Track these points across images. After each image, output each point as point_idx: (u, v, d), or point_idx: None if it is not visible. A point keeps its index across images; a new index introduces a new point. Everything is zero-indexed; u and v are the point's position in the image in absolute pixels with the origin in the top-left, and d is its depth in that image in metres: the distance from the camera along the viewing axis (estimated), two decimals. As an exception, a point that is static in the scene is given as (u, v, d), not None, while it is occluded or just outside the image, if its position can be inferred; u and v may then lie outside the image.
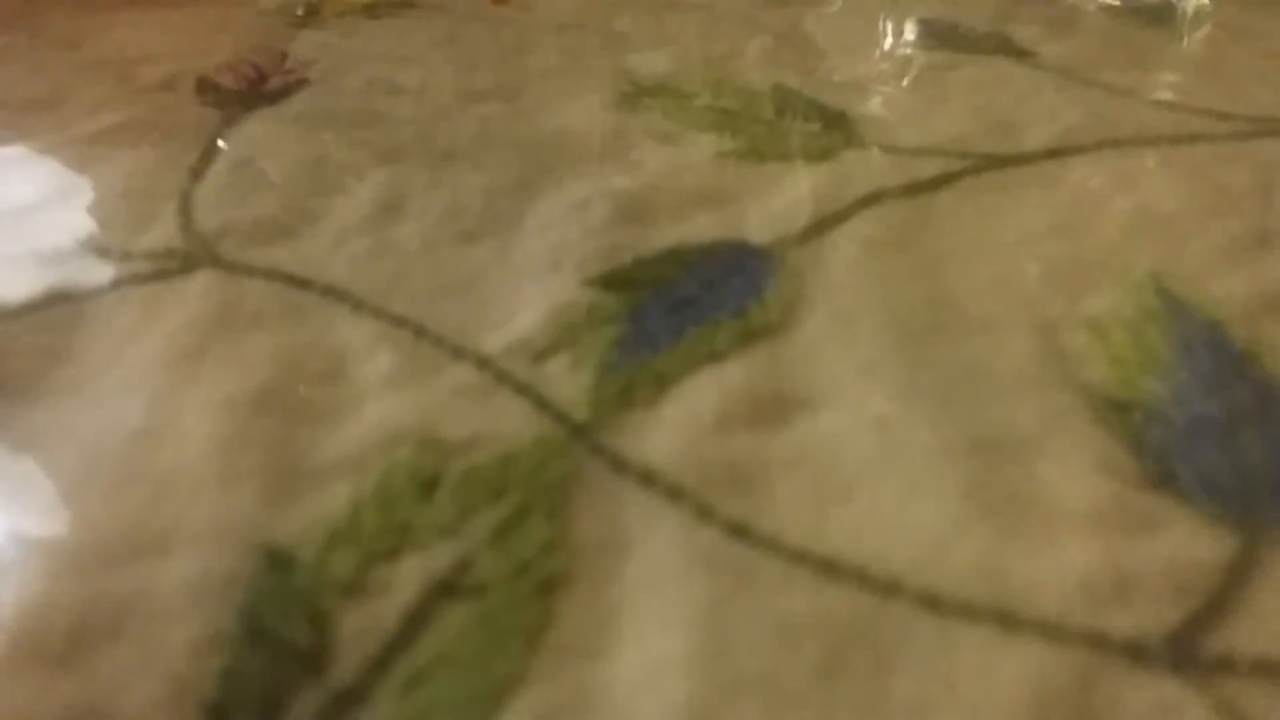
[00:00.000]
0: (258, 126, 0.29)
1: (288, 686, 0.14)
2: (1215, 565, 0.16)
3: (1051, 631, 0.15)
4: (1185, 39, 0.35)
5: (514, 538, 0.16)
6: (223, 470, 0.18)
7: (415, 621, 0.15)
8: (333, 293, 0.22)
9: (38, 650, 0.15)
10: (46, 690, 0.14)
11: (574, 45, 0.34)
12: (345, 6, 0.38)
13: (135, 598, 0.16)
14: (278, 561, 0.16)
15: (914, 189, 0.26)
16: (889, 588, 0.16)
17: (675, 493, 0.17)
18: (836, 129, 0.29)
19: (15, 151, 0.29)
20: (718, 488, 0.17)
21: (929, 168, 0.27)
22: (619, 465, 0.18)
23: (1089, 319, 0.21)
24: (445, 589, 0.15)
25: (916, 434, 0.18)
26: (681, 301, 0.21)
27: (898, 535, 0.16)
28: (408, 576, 0.16)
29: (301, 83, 0.32)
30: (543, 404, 0.19)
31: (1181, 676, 0.14)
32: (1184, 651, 0.15)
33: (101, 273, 0.23)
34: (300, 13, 0.37)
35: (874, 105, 0.30)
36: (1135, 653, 0.15)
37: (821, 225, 0.24)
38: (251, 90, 0.31)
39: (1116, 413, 0.19)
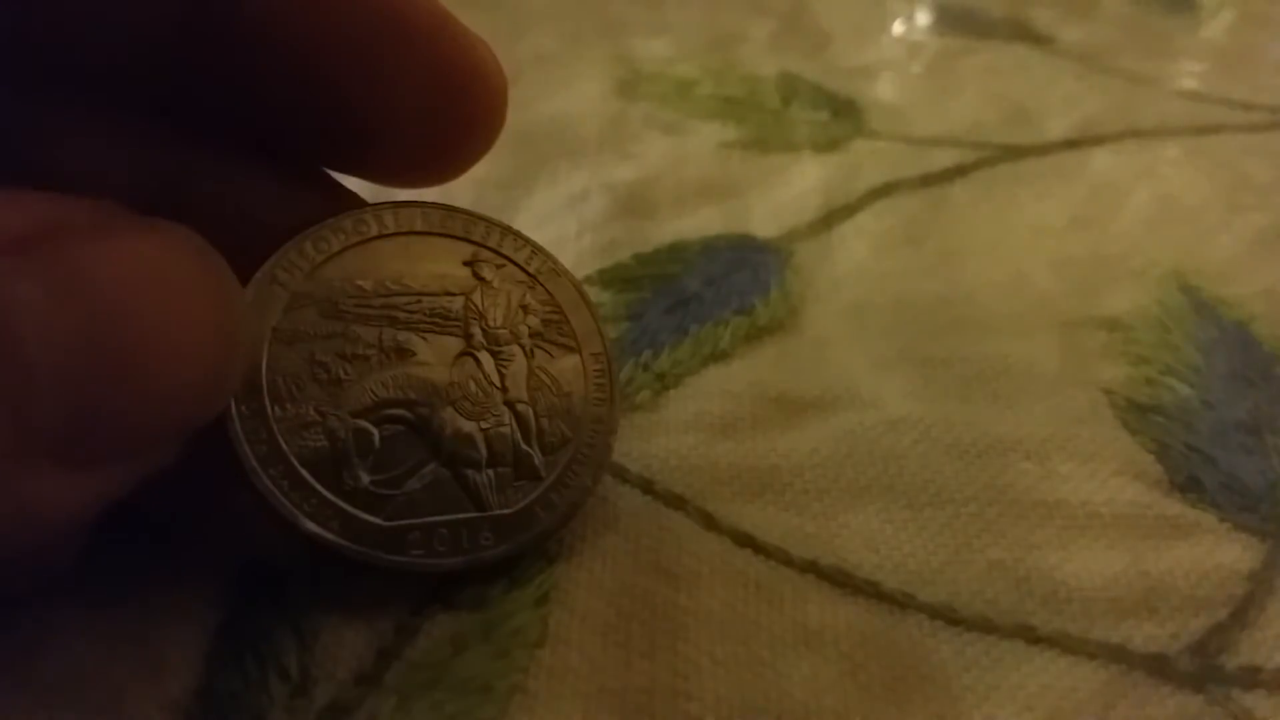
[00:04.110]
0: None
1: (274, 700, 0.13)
2: (1240, 574, 0.16)
3: (1072, 644, 0.15)
4: (1207, 26, 0.35)
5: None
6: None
7: (409, 633, 0.14)
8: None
9: None
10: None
11: (570, 30, 0.33)
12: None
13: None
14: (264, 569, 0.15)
15: (927, 180, 0.25)
16: (904, 599, 0.15)
17: (678, 500, 0.16)
18: (845, 117, 0.28)
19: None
20: (722, 494, 0.17)
21: (943, 158, 0.26)
22: (619, 471, 0.17)
23: (1110, 317, 0.21)
24: (440, 600, 0.14)
25: (931, 437, 0.18)
26: (684, 299, 0.21)
27: (913, 543, 0.16)
28: (402, 586, 0.15)
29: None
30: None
31: (1204, 690, 0.14)
32: (1207, 664, 0.14)
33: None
34: None
35: (885, 92, 0.30)
36: (1158, 665, 0.14)
37: (830, 218, 0.24)
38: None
39: (1139, 415, 0.18)
